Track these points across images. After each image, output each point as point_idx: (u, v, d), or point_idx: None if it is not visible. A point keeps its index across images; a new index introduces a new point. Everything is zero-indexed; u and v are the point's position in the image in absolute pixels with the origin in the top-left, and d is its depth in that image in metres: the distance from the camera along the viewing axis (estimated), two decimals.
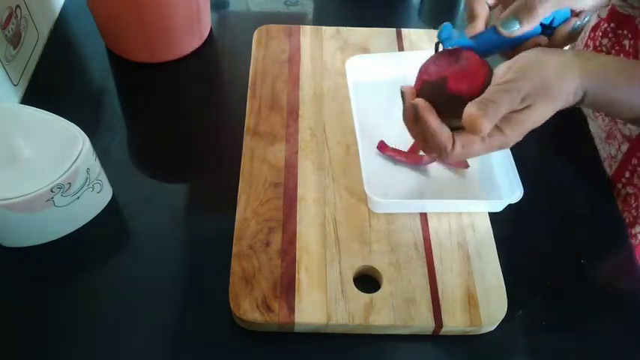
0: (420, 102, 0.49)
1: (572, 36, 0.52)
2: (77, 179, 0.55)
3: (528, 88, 0.46)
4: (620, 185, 0.68)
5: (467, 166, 0.64)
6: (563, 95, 0.47)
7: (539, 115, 0.47)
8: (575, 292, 0.58)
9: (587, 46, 0.76)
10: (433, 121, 0.48)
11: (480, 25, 0.53)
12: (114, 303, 0.56)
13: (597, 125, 0.72)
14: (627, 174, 0.67)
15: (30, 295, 0.56)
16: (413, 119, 0.50)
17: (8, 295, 0.56)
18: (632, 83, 0.47)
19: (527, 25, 0.50)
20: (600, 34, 0.72)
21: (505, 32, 0.50)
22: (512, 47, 0.52)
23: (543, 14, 0.49)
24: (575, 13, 0.52)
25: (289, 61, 0.74)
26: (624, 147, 0.67)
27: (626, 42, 0.68)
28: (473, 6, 0.53)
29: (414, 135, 0.52)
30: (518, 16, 0.49)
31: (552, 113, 0.48)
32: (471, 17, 0.53)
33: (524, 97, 0.46)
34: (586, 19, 0.52)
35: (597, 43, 0.73)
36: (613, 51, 0.70)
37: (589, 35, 0.76)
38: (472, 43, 0.52)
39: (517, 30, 0.50)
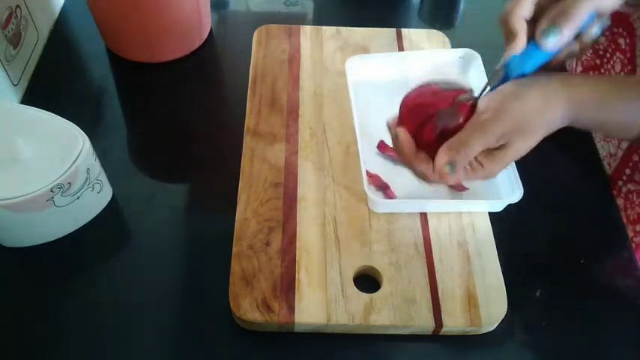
0: (401, 134, 0.52)
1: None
2: (77, 179, 0.55)
3: (503, 129, 0.46)
4: (620, 183, 0.68)
5: (465, 188, 0.63)
6: (544, 128, 0.47)
7: (518, 150, 0.48)
8: (575, 292, 0.58)
9: None
10: (409, 154, 0.51)
11: (521, 43, 0.49)
12: (114, 303, 0.55)
13: None
14: (628, 171, 0.67)
15: (30, 295, 0.56)
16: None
17: (8, 295, 0.56)
18: (621, 103, 0.47)
19: (567, 31, 0.46)
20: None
21: (548, 44, 0.47)
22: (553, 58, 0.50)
23: (581, 18, 0.46)
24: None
25: (289, 61, 0.74)
26: (624, 144, 0.67)
27: (621, 40, 0.68)
28: (509, 22, 0.49)
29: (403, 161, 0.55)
30: (557, 23, 0.46)
31: (534, 145, 0.48)
32: (510, 35, 0.49)
33: (499, 137, 0.47)
34: (606, 22, 0.49)
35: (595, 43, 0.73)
36: (610, 49, 0.70)
37: None
38: (522, 61, 0.49)
39: (559, 38, 0.47)
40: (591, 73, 0.74)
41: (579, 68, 0.76)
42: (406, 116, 0.53)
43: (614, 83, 0.48)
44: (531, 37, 0.48)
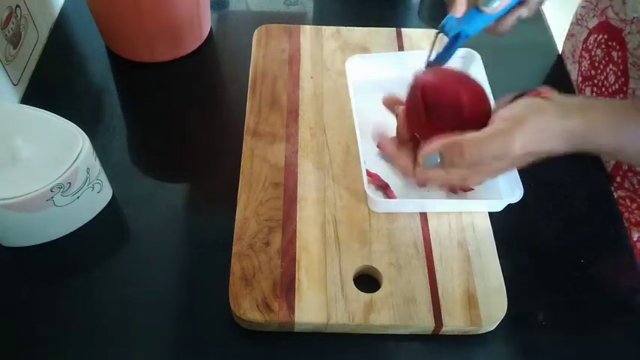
0: (381, 136, 0.56)
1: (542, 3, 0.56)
2: (77, 179, 0.55)
3: (519, 141, 0.47)
4: (612, 188, 0.68)
5: (470, 189, 0.63)
6: (555, 145, 0.48)
7: (503, 171, 0.51)
8: (575, 292, 0.58)
9: (582, 57, 0.76)
10: (390, 150, 0.56)
11: (461, 8, 0.55)
12: (114, 302, 0.56)
13: None
14: (618, 178, 0.68)
15: (30, 295, 0.56)
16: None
17: (8, 295, 0.56)
18: (614, 127, 0.47)
19: None
20: (595, 45, 0.73)
21: (488, 10, 0.53)
22: (495, 20, 0.56)
23: None
24: None
25: (289, 60, 0.74)
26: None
27: (614, 53, 0.69)
28: None
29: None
30: None
31: (533, 159, 0.50)
32: (451, 1, 0.56)
33: (508, 150, 0.47)
34: None
35: (592, 54, 0.74)
36: (604, 61, 0.71)
37: (583, 47, 0.76)
38: (465, 28, 0.55)
39: (497, 5, 0.52)
40: (589, 83, 0.75)
41: (579, 78, 0.77)
42: (425, 92, 0.54)
43: (607, 109, 0.49)
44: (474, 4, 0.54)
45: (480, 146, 0.47)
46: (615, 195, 0.68)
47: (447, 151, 0.49)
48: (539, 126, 0.47)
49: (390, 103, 0.60)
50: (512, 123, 0.47)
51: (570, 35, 0.81)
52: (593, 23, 0.74)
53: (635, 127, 0.47)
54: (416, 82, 0.54)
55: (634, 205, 0.68)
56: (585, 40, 0.75)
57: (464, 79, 0.54)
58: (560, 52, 0.82)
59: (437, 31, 0.56)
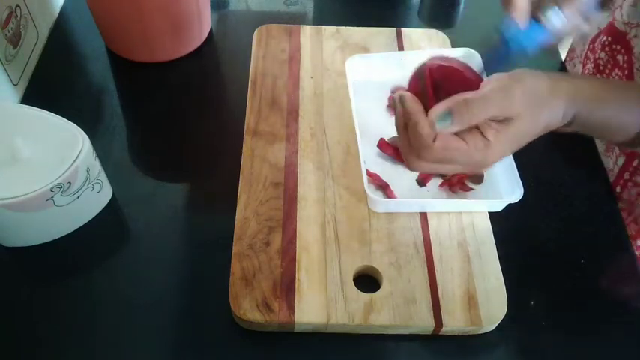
0: (407, 94, 0.49)
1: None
2: (77, 179, 0.55)
3: (508, 101, 0.45)
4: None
5: (470, 189, 0.62)
6: (546, 115, 0.47)
7: (521, 130, 0.47)
8: (575, 292, 0.58)
9: (587, 58, 0.76)
10: (417, 109, 0.48)
11: (521, 12, 0.49)
12: (114, 302, 0.55)
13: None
14: (618, 189, 0.68)
15: (30, 295, 0.56)
16: (401, 114, 0.49)
17: (8, 295, 0.56)
18: (621, 102, 0.48)
19: (568, 10, 0.48)
20: (600, 47, 0.73)
21: (548, 22, 0.48)
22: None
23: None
24: None
25: (289, 60, 0.74)
26: (620, 160, 0.68)
27: (619, 57, 0.69)
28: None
29: (401, 139, 0.51)
30: (559, 2, 0.47)
31: (535, 133, 0.47)
32: (508, 5, 0.49)
33: (502, 108, 0.46)
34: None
35: (597, 56, 0.73)
36: (609, 65, 0.71)
37: (588, 47, 0.76)
38: (525, 39, 0.50)
39: (560, 17, 0.48)
40: None
41: None
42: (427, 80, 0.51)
43: (617, 84, 0.49)
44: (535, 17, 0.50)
45: (483, 98, 0.46)
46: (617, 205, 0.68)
47: (454, 107, 0.46)
48: (534, 84, 0.47)
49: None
50: (510, 80, 0.46)
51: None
52: (604, 23, 0.73)
53: (621, 99, 0.48)
54: (424, 64, 0.53)
55: (630, 218, 0.67)
56: (593, 41, 0.75)
57: (467, 65, 0.53)
58: (558, 49, 0.82)
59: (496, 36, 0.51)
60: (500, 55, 0.53)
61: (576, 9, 0.48)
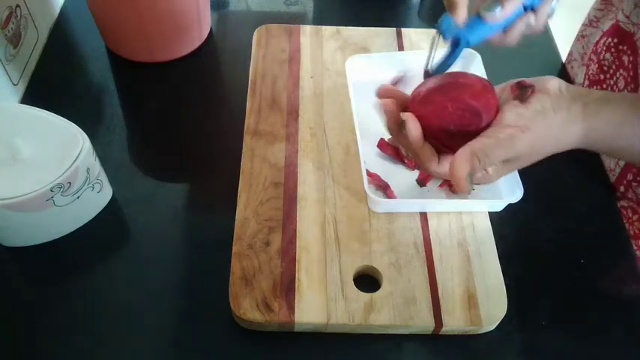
0: (409, 117, 0.48)
1: (550, 15, 0.53)
2: (77, 179, 0.55)
3: (527, 146, 0.46)
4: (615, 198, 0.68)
5: (469, 191, 0.62)
6: (554, 150, 0.48)
7: (523, 165, 0.49)
8: (575, 292, 0.58)
9: (590, 60, 0.76)
10: (417, 140, 0.48)
11: (462, 13, 0.52)
12: (114, 303, 0.55)
13: None
14: (622, 188, 0.68)
15: (30, 295, 0.56)
16: (398, 130, 0.49)
17: (8, 295, 0.56)
18: (633, 133, 0.47)
19: (508, 6, 0.50)
20: (604, 48, 0.72)
21: (488, 17, 0.50)
22: (503, 30, 0.53)
23: None
24: None
25: (289, 60, 0.74)
26: (622, 161, 0.68)
27: (625, 58, 0.68)
28: None
29: (399, 143, 0.52)
30: None
31: (542, 157, 0.49)
32: (451, 6, 0.52)
33: (520, 153, 0.46)
34: None
35: (601, 57, 0.73)
36: (614, 66, 0.70)
37: (592, 49, 0.76)
38: (466, 33, 0.52)
39: (499, 13, 0.50)
40: (597, 87, 0.74)
41: (586, 82, 0.77)
42: (424, 99, 0.50)
43: (629, 113, 0.48)
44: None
45: (491, 150, 0.46)
46: (618, 205, 0.68)
47: (474, 163, 0.46)
48: (566, 118, 0.47)
49: (385, 95, 0.54)
50: (516, 130, 0.46)
51: (581, 37, 0.80)
52: (607, 26, 0.73)
53: (636, 128, 0.47)
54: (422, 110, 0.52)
55: (635, 217, 0.67)
56: (596, 43, 0.75)
57: (463, 73, 0.52)
58: (559, 51, 0.82)
59: (435, 31, 0.54)
60: (447, 56, 0.55)
61: (516, 4, 0.50)
